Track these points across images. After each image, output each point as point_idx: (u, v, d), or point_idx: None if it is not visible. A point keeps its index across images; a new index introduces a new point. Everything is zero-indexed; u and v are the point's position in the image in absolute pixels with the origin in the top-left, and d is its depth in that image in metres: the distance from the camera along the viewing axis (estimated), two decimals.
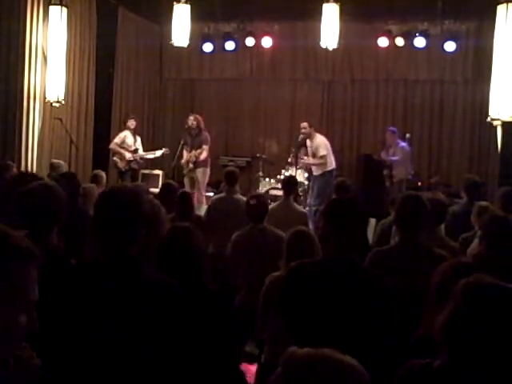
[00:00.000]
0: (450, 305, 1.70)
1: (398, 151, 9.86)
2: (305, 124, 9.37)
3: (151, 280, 2.23)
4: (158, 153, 9.67)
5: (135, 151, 9.42)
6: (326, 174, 9.27)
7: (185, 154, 9.23)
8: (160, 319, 2.14)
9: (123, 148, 9.36)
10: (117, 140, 9.47)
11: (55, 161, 7.69)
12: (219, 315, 2.62)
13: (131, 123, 9.50)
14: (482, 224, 3.99)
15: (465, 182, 6.15)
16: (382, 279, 2.71)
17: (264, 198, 5.33)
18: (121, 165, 9.33)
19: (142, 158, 9.54)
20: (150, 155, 9.72)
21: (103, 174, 6.87)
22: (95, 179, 6.63)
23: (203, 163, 9.11)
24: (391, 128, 10.24)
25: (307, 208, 8.78)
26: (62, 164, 7.46)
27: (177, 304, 2.20)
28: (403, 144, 9.98)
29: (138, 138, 9.64)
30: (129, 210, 2.21)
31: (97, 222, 2.26)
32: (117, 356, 2.11)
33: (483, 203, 5.12)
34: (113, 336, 2.12)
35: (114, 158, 9.42)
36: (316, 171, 9.42)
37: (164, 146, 9.97)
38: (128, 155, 9.32)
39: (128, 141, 9.40)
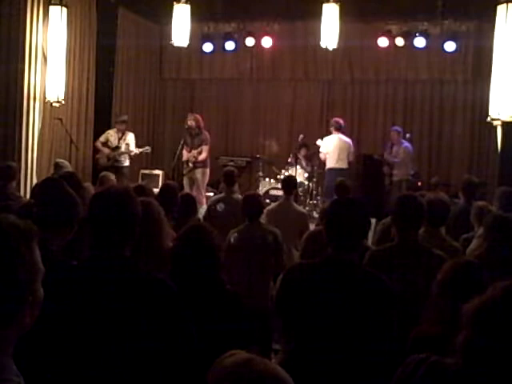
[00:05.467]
0: (485, 296, 1.63)
1: (401, 151, 9.89)
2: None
3: (146, 279, 2.24)
4: (138, 150, 9.55)
5: (115, 148, 9.38)
6: (326, 173, 9.59)
7: (184, 153, 9.23)
8: (156, 318, 2.14)
9: (106, 146, 9.39)
10: (101, 138, 9.53)
11: (60, 160, 7.53)
12: (237, 314, 2.63)
13: (119, 126, 9.47)
14: (485, 224, 3.99)
15: (462, 182, 6.16)
16: (381, 280, 2.68)
17: (258, 197, 5.34)
18: (102, 162, 9.36)
19: (120, 154, 9.38)
20: (132, 152, 9.53)
21: (110, 176, 6.67)
22: (102, 181, 6.49)
23: (203, 164, 9.10)
24: (396, 127, 10.26)
25: (307, 208, 8.82)
26: (67, 164, 7.36)
27: (173, 302, 2.21)
28: (406, 144, 10.00)
29: (130, 135, 9.53)
30: (121, 210, 2.23)
31: (90, 221, 2.28)
32: (114, 355, 2.11)
33: (481, 203, 5.12)
34: (109, 335, 2.12)
35: (97, 156, 9.49)
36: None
37: (148, 145, 9.99)
38: (107, 152, 9.33)
39: (112, 139, 9.43)
